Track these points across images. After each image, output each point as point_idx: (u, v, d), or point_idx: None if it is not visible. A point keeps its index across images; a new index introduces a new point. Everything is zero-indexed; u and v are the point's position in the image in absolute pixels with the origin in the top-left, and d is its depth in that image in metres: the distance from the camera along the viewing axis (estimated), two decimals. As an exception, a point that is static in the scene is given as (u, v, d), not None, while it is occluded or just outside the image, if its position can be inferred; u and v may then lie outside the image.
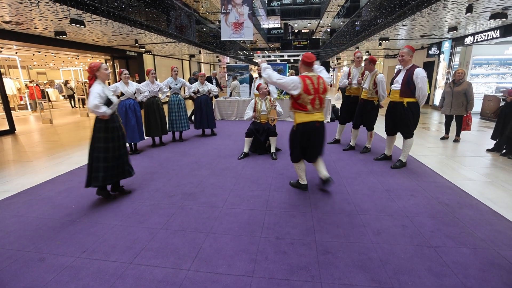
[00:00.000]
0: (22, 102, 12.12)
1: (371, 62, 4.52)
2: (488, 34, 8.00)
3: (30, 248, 2.28)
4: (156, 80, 5.39)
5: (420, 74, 3.66)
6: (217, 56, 17.77)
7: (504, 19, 6.25)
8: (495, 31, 7.68)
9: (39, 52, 10.16)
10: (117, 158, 3.08)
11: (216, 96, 8.99)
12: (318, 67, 3.15)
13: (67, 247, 2.30)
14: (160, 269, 2.02)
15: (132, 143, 5.07)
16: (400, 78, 3.89)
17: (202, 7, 16.51)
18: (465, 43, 9.19)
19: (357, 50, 5.15)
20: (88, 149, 3.01)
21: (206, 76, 6.75)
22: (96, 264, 2.09)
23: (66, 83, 13.40)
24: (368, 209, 2.89)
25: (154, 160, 4.69)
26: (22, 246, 2.31)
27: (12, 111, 7.56)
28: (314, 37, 25.54)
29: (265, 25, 25.27)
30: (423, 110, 10.76)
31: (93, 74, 2.94)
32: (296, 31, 25.76)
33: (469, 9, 5.53)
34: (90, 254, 2.20)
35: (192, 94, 6.20)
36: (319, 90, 2.93)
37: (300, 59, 3.03)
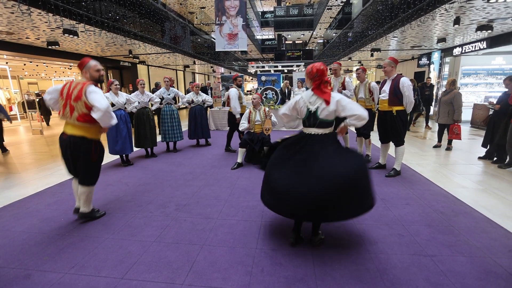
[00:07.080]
0: (12, 112, 11.93)
1: (363, 71, 4.66)
2: (475, 45, 8.26)
3: (15, 265, 2.18)
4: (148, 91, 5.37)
5: (405, 83, 3.85)
6: (211, 67, 17.89)
7: (490, 31, 6.47)
8: (482, 42, 7.94)
9: (31, 62, 10.06)
10: None
11: (211, 106, 8.96)
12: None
13: (54, 262, 2.20)
14: (152, 284, 1.95)
15: (124, 155, 4.98)
16: (387, 87, 4.03)
17: (196, 18, 16.71)
18: (453, 54, 9.45)
19: (334, 62, 5.28)
20: None
21: (201, 86, 6.77)
22: (85, 280, 2.00)
23: None
24: (364, 218, 2.86)
25: (148, 171, 4.62)
26: (6, 263, 2.21)
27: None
28: (307, 47, 25.98)
29: (259, 36, 25.64)
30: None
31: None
32: (288, 42, 26.20)
33: (457, 21, 5.71)
34: (79, 270, 2.11)
35: (187, 104, 6.21)
36: (71, 97, 2.57)
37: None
